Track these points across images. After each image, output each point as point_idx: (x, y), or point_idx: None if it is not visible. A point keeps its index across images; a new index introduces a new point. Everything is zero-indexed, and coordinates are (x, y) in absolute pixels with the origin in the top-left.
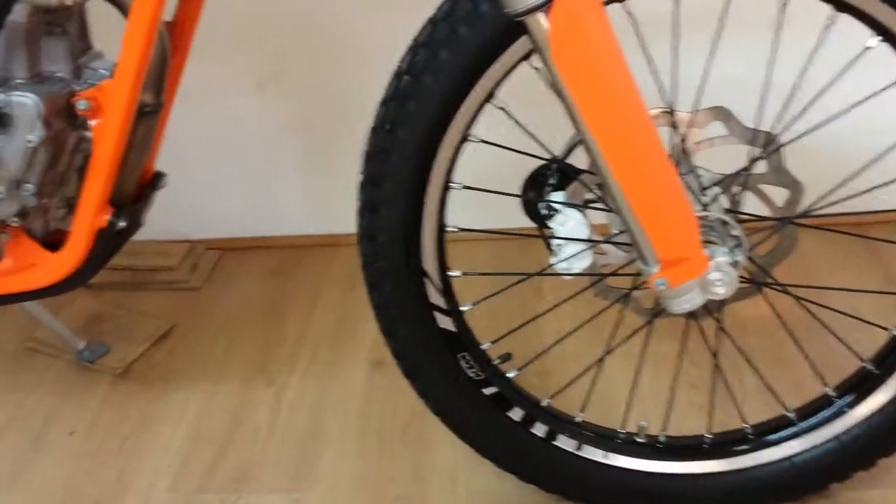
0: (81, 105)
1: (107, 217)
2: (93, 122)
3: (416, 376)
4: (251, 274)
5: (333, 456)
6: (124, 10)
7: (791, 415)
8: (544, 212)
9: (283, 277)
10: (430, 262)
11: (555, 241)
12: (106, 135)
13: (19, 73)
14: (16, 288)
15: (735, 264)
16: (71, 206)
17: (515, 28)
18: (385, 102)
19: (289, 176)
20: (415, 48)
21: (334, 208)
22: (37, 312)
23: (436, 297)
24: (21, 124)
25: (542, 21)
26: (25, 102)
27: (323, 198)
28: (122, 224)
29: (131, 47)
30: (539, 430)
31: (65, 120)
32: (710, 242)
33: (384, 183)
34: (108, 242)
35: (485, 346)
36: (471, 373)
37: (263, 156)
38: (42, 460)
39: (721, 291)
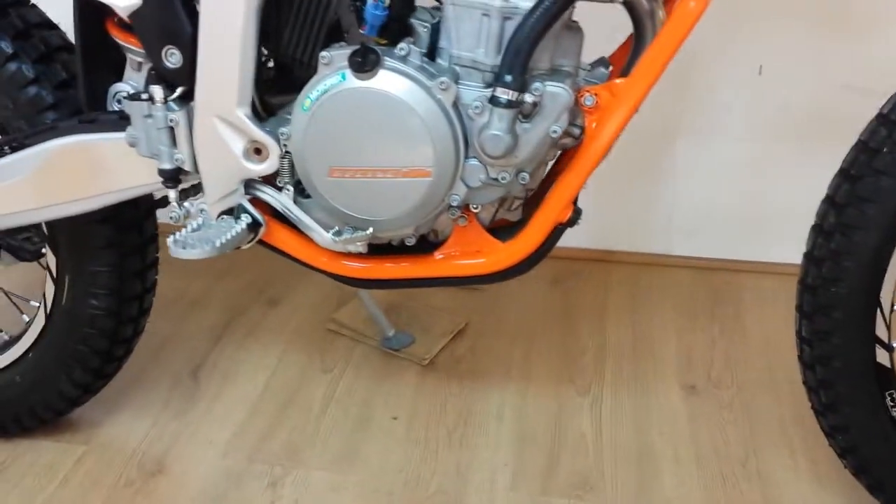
0: (588, 101)
1: (569, 213)
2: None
3: (836, 409)
4: (530, 280)
5: (673, 478)
6: (637, 18)
7: None
8: None
9: (565, 288)
10: (886, 293)
11: None
12: (603, 133)
13: (542, 63)
14: (456, 272)
15: None
16: (526, 197)
17: None
18: (889, 123)
19: None
20: None
21: (612, 225)
22: (363, 297)
23: (881, 330)
24: (549, 114)
25: None
26: (560, 93)
27: (604, 214)
28: (578, 221)
29: (660, 52)
30: None
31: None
32: None
33: (867, 206)
34: (555, 237)
35: None
36: (894, 412)
37: None
38: (371, 442)
39: None
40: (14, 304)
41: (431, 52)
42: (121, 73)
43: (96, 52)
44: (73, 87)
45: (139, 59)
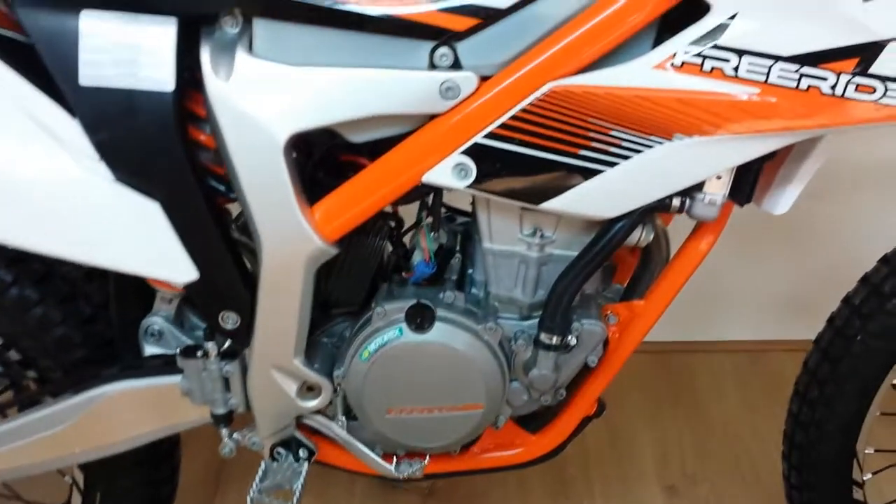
0: (611, 319)
1: (595, 408)
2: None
3: None
4: None
5: None
6: (650, 255)
7: None
8: None
9: None
10: (861, 443)
11: None
12: (624, 345)
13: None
14: (495, 464)
15: None
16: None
17: None
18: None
19: None
20: None
21: None
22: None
23: (857, 473)
24: (587, 347)
25: None
26: (596, 331)
27: None
28: (602, 413)
29: (672, 283)
30: None
31: None
32: None
33: (846, 382)
34: (582, 427)
35: None
36: None
37: None
38: None
39: None
40: None
41: (461, 279)
42: (149, 305)
43: (127, 292)
44: (97, 321)
45: (170, 297)
